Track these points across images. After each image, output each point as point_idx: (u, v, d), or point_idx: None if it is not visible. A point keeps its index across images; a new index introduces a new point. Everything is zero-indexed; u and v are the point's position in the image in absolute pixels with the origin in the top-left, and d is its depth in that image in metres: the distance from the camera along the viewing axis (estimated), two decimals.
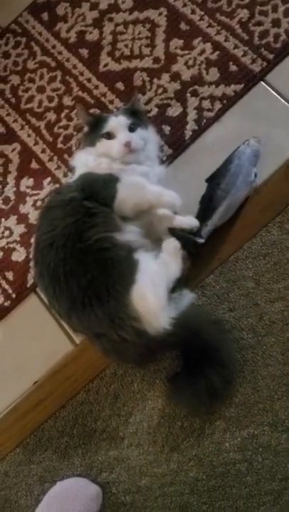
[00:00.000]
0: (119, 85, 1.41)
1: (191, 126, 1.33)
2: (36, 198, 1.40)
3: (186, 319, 1.07)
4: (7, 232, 1.40)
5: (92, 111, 1.41)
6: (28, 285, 1.34)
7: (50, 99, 1.46)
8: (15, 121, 1.47)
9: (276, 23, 1.34)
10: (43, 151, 1.43)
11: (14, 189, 1.43)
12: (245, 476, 1.13)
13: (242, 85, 1.33)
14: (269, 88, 1.32)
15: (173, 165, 1.32)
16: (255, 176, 1.22)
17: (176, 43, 1.40)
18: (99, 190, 1.15)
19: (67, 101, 1.44)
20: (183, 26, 1.40)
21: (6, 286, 1.36)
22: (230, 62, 1.35)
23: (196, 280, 1.23)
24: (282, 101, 1.30)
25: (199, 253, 1.20)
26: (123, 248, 1.10)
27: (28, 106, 1.47)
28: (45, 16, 1.53)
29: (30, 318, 1.33)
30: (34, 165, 1.42)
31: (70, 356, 1.27)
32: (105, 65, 1.44)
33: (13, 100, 1.49)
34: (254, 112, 1.31)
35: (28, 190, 1.41)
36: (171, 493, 1.16)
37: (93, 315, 1.06)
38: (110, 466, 1.20)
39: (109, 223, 1.12)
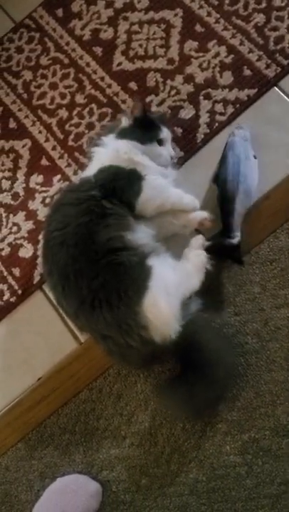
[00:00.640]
0: (132, 85, 1.41)
1: (203, 129, 1.33)
2: (45, 194, 1.40)
3: (191, 331, 1.07)
4: (15, 228, 1.40)
5: (104, 110, 1.41)
6: (35, 282, 1.35)
7: (63, 96, 1.46)
8: (26, 117, 1.47)
9: None
10: (54, 148, 1.43)
11: (24, 185, 1.43)
12: (244, 479, 1.14)
13: (255, 90, 1.33)
14: (282, 94, 1.32)
15: (184, 167, 1.32)
16: (255, 157, 1.23)
17: (191, 44, 1.40)
18: (123, 186, 1.15)
19: (79, 99, 1.44)
20: (198, 28, 1.40)
21: (13, 282, 1.36)
22: (245, 67, 1.35)
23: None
24: None
25: None
26: (136, 253, 1.10)
27: (40, 102, 1.47)
28: (59, 12, 1.53)
29: (35, 314, 1.34)
30: (44, 162, 1.43)
31: (75, 354, 1.28)
32: (119, 64, 1.44)
33: (25, 96, 1.49)
34: (266, 117, 1.31)
35: (37, 187, 1.42)
36: (171, 494, 1.17)
37: (102, 318, 1.06)
38: (111, 464, 1.21)
39: (121, 224, 1.12)
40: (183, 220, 1.23)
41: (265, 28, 1.36)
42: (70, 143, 1.42)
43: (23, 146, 1.45)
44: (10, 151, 1.46)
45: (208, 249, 1.19)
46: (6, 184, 1.45)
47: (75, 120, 1.43)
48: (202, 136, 1.33)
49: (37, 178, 1.42)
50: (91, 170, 1.21)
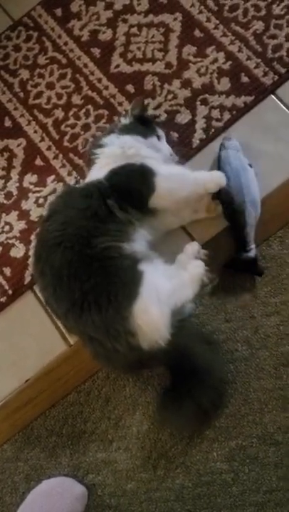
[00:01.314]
0: (130, 88, 1.41)
1: (199, 135, 1.33)
2: (39, 195, 1.40)
3: (179, 339, 1.07)
4: (7, 228, 1.39)
5: (100, 112, 1.41)
6: (26, 282, 1.34)
7: (59, 96, 1.45)
8: (22, 116, 1.46)
9: None
10: (49, 148, 1.42)
11: (17, 184, 1.42)
12: (230, 486, 1.14)
13: (252, 97, 1.33)
14: (279, 102, 1.32)
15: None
16: (251, 166, 1.23)
17: (190, 49, 1.40)
18: (138, 187, 1.13)
19: (76, 99, 1.44)
20: (197, 33, 1.40)
21: (3, 282, 1.35)
22: (242, 74, 1.35)
23: None
24: None
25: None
26: (128, 258, 1.09)
27: (36, 101, 1.46)
28: (58, 11, 1.52)
29: (25, 315, 1.33)
30: (39, 161, 1.42)
31: (64, 356, 1.27)
32: (116, 66, 1.43)
33: (21, 95, 1.48)
34: (262, 125, 1.31)
35: (31, 187, 1.41)
36: (157, 499, 1.16)
37: (90, 320, 1.06)
38: (97, 468, 1.21)
39: (120, 232, 1.12)
40: (191, 205, 1.23)
41: (264, 35, 1.36)
42: (66, 143, 1.41)
43: (18, 146, 1.44)
44: (4, 150, 1.45)
45: (225, 267, 1.21)
46: None
47: (71, 121, 1.42)
48: (198, 141, 1.33)
49: (31, 178, 1.41)
50: (99, 172, 1.18)
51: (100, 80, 1.43)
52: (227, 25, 1.39)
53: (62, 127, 1.42)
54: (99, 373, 1.25)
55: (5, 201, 1.42)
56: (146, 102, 1.38)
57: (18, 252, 1.37)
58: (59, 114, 1.44)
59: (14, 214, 1.40)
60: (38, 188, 1.40)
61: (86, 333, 1.10)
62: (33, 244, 1.34)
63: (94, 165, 1.23)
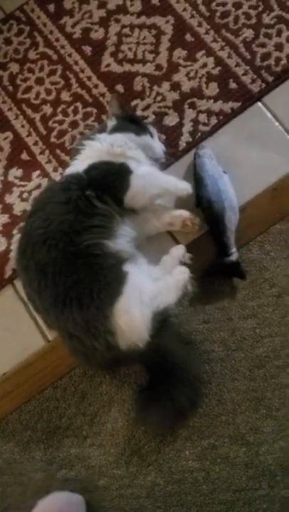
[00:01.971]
0: (119, 87, 1.42)
1: (185, 138, 1.35)
2: (23, 189, 1.40)
3: (157, 339, 1.08)
4: None
5: (89, 110, 1.41)
6: (6, 276, 1.34)
7: (48, 92, 1.45)
8: (10, 109, 1.46)
9: (279, 47, 1.37)
10: (36, 143, 1.42)
11: (2, 178, 1.42)
12: (201, 484, 1.16)
13: (239, 103, 1.35)
14: (265, 110, 1.35)
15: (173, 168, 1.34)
16: (225, 172, 1.26)
17: (180, 53, 1.41)
18: (114, 181, 1.15)
19: (65, 96, 1.44)
20: (188, 37, 1.42)
21: None
22: (231, 80, 1.37)
23: None
24: (277, 124, 1.33)
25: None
26: (113, 257, 1.10)
27: (25, 96, 1.46)
28: (51, 7, 1.52)
29: (5, 309, 1.33)
30: (25, 156, 1.42)
31: (42, 351, 1.28)
32: (107, 66, 1.44)
33: (10, 88, 1.48)
34: (248, 131, 1.34)
35: (15, 181, 1.41)
36: (128, 496, 1.18)
37: (71, 317, 1.07)
38: (70, 463, 1.21)
39: (104, 228, 1.13)
40: (168, 217, 1.25)
41: (253, 43, 1.39)
42: (53, 139, 1.42)
43: (5, 139, 1.44)
44: None
45: (208, 273, 1.22)
46: None
47: (59, 117, 1.43)
48: (184, 144, 1.35)
49: (16, 172, 1.41)
50: (80, 165, 1.20)
51: (89, 78, 1.44)
52: (218, 31, 1.41)
53: (50, 123, 1.43)
54: (76, 369, 1.26)
55: None
56: (134, 102, 1.39)
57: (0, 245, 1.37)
58: (47, 109, 1.44)
59: None
60: (22, 183, 1.40)
61: (66, 329, 1.10)
62: (15, 238, 1.34)
63: (78, 155, 1.24)
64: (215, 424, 1.18)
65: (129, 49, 1.44)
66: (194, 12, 1.44)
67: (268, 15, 1.40)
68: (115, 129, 1.24)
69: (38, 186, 1.38)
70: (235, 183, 1.26)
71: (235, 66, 1.38)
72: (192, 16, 1.43)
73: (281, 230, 1.26)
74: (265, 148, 1.31)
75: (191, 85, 1.38)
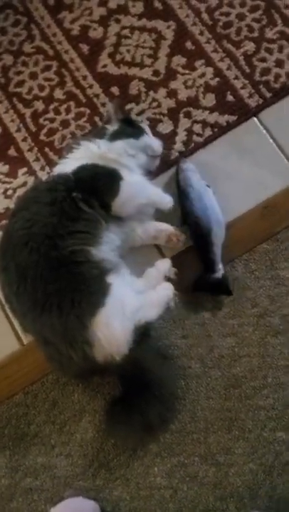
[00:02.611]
0: (114, 90, 1.38)
1: (178, 147, 1.33)
2: (8, 186, 1.36)
3: (135, 353, 1.06)
4: None
5: (81, 110, 1.38)
6: None
7: (41, 88, 1.41)
8: (0, 102, 1.41)
9: (279, 63, 1.35)
10: (24, 139, 1.38)
11: None
12: (168, 502, 1.14)
13: (235, 117, 1.33)
14: (260, 126, 1.33)
15: (154, 183, 1.29)
16: (209, 186, 1.24)
17: (179, 60, 1.38)
18: (102, 186, 1.13)
19: (58, 93, 1.40)
20: (188, 45, 1.39)
21: None
22: (228, 92, 1.35)
23: None
24: (271, 141, 1.31)
25: None
26: (97, 267, 1.08)
27: (17, 90, 1.42)
28: (51, 0, 1.47)
29: None
30: (12, 152, 1.38)
31: (15, 355, 1.25)
32: (104, 66, 1.40)
33: (2, 80, 1.43)
34: (242, 146, 1.32)
35: (1, 177, 1.37)
36: None
37: (49, 323, 1.04)
38: (36, 472, 1.18)
39: (89, 234, 1.10)
40: (152, 231, 1.23)
41: (254, 57, 1.37)
42: (42, 137, 1.38)
43: None
44: None
45: (194, 289, 1.20)
46: None
47: (51, 115, 1.39)
48: (176, 153, 1.32)
49: (2, 168, 1.37)
50: (69, 165, 1.17)
51: (85, 78, 1.40)
52: (219, 42, 1.39)
53: (41, 120, 1.39)
54: (49, 376, 1.22)
55: None
56: (129, 106, 1.36)
57: None
58: (39, 106, 1.40)
59: None
60: (8, 179, 1.36)
61: (43, 334, 1.08)
62: None
63: (69, 153, 1.21)
64: (186, 442, 1.16)
65: (128, 51, 1.41)
66: (197, 20, 1.41)
67: (271, 29, 1.38)
68: (116, 135, 1.21)
69: (24, 184, 1.35)
70: (225, 198, 1.24)
71: (234, 79, 1.36)
72: (194, 24, 1.41)
73: (268, 249, 1.25)
74: (258, 165, 1.30)
75: (188, 94, 1.36)
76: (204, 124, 1.33)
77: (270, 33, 1.38)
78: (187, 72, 1.37)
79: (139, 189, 1.18)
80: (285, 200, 1.26)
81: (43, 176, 1.34)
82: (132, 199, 1.16)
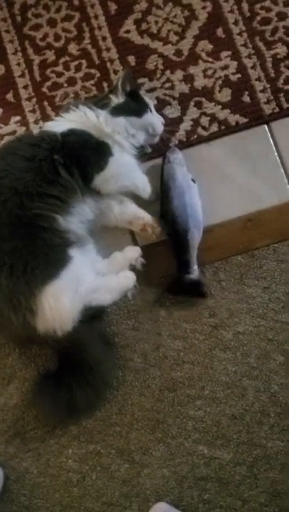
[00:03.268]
0: (131, 59, 1.31)
1: (180, 135, 1.27)
2: None
3: (78, 332, 1.03)
4: None
5: (92, 71, 1.31)
6: None
7: (57, 38, 1.33)
8: (11, 41, 1.33)
9: None
10: (26, 87, 1.31)
11: None
12: (73, 486, 1.12)
13: (246, 119, 1.27)
14: (269, 135, 1.26)
15: (146, 166, 1.24)
16: (194, 181, 1.19)
17: (206, 45, 1.31)
18: (89, 156, 1.08)
19: (72, 48, 1.32)
20: (219, 32, 1.31)
21: None
22: (246, 92, 1.28)
23: None
24: (276, 153, 1.25)
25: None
26: (61, 236, 1.04)
27: (32, 33, 1.34)
28: None
29: None
30: (10, 96, 1.31)
31: None
32: (127, 32, 1.32)
33: (18, 18, 1.34)
34: (245, 151, 1.26)
35: None
36: None
37: None
38: None
39: (61, 201, 1.05)
40: (129, 215, 1.18)
41: (283, 62, 1.29)
42: (44, 89, 1.31)
43: None
44: None
45: (168, 290, 1.17)
46: None
47: (59, 68, 1.31)
48: (176, 141, 1.26)
49: None
50: (61, 125, 1.12)
51: (104, 39, 1.32)
52: (251, 37, 1.30)
53: (48, 71, 1.31)
54: None
55: None
56: (141, 80, 1.29)
57: None
58: (50, 56, 1.32)
59: None
60: None
61: None
62: None
63: (65, 113, 1.15)
64: (107, 432, 1.14)
65: (156, 22, 1.32)
66: (235, 7, 1.32)
67: None
68: (119, 110, 1.15)
69: (13, 133, 1.29)
70: (212, 199, 1.21)
71: (256, 80, 1.28)
72: (231, 11, 1.32)
73: (241, 263, 1.20)
74: (256, 175, 1.24)
75: (205, 83, 1.29)
76: (213, 118, 1.27)
77: None
78: (210, 60, 1.30)
79: (126, 170, 1.14)
80: (272, 218, 1.21)
81: (35, 129, 1.27)
82: (117, 178, 1.12)
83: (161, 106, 1.28)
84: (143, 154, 1.23)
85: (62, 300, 1.01)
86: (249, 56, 1.30)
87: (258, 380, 1.14)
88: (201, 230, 1.17)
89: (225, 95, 1.28)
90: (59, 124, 1.13)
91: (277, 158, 1.25)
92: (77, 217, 1.10)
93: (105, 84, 1.30)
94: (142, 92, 1.27)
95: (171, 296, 1.19)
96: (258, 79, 1.29)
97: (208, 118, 1.27)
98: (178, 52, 1.31)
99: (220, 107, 1.28)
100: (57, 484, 1.13)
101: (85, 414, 1.14)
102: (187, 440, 1.13)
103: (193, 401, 1.14)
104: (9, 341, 1.17)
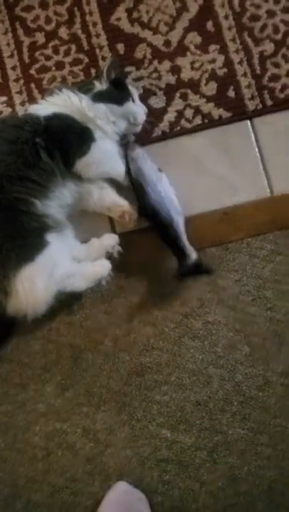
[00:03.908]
0: (120, 47, 1.31)
1: (163, 126, 1.28)
2: None
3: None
4: None
5: (80, 56, 1.32)
6: None
7: (48, 20, 1.33)
8: (1, 21, 1.33)
9: None
10: (14, 68, 1.32)
11: None
12: (38, 461, 1.16)
13: (230, 114, 1.28)
14: (251, 131, 1.28)
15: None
16: (161, 170, 1.20)
17: (194, 38, 1.32)
18: (72, 140, 1.09)
19: (63, 32, 1.33)
20: (209, 25, 1.32)
21: None
22: (232, 87, 1.29)
23: None
24: (256, 150, 1.27)
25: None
26: (39, 221, 1.05)
27: (23, 15, 1.34)
28: None
29: None
30: None
31: None
32: (118, 19, 1.33)
33: None
34: (226, 145, 1.28)
35: None
36: None
37: None
38: None
39: (40, 185, 1.07)
40: (108, 201, 1.20)
41: (269, 59, 1.31)
42: (32, 71, 1.31)
43: None
44: None
45: (179, 278, 1.19)
46: None
47: (48, 52, 1.32)
48: (160, 132, 1.28)
49: None
50: (45, 108, 1.13)
51: (95, 25, 1.33)
52: (240, 32, 1.32)
53: (37, 54, 1.32)
54: None
55: None
56: (128, 69, 1.30)
57: None
58: (40, 38, 1.33)
59: None
60: None
61: None
62: None
63: (49, 97, 1.16)
64: (74, 412, 1.17)
65: (147, 12, 1.33)
66: (226, 2, 1.33)
67: None
68: (100, 97, 1.16)
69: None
70: (190, 191, 1.23)
71: (242, 75, 1.30)
72: (222, 5, 1.33)
73: (215, 254, 1.23)
74: (235, 169, 1.26)
75: (192, 76, 1.30)
76: (197, 111, 1.29)
77: None
78: (198, 53, 1.31)
79: (108, 157, 1.16)
80: (246, 213, 1.24)
81: (20, 111, 1.29)
82: (98, 164, 1.14)
83: (146, 95, 1.29)
84: (126, 142, 1.24)
85: (37, 283, 1.03)
86: (237, 51, 1.31)
87: (224, 369, 1.18)
88: (181, 213, 1.18)
89: (210, 89, 1.30)
90: (43, 108, 1.14)
91: (258, 154, 1.27)
92: (57, 202, 1.11)
93: (93, 71, 1.31)
94: (128, 80, 1.28)
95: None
96: (244, 74, 1.30)
97: (193, 110, 1.29)
98: (167, 43, 1.32)
99: (205, 100, 1.29)
100: (23, 459, 1.16)
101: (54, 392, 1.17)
102: (151, 423, 1.16)
103: (160, 386, 1.18)
104: None
